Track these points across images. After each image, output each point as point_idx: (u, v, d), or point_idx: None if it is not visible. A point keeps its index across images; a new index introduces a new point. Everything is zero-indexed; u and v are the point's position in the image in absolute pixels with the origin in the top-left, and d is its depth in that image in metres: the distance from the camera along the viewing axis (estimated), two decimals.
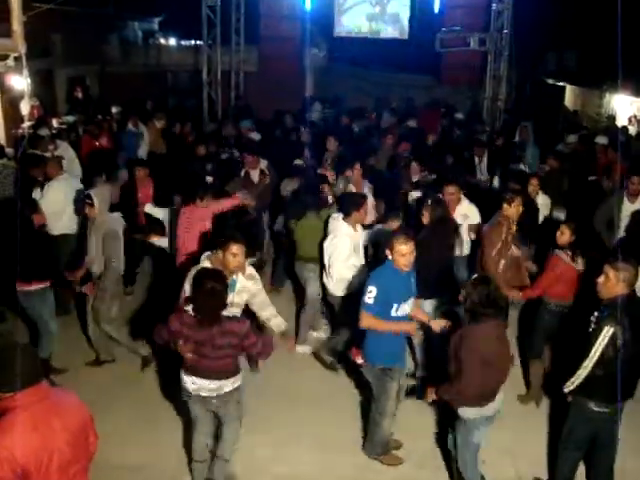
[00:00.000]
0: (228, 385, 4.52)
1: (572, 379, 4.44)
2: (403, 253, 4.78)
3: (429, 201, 6.42)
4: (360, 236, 6.66)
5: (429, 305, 6.20)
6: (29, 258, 5.84)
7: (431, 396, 4.62)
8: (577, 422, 4.63)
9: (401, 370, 5.18)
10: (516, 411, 5.97)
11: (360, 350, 5.15)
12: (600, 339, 4.24)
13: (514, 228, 6.27)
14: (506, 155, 10.43)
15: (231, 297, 4.84)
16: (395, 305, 4.87)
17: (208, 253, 5.15)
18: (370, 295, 4.81)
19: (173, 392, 5.99)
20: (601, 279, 4.43)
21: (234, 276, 5.00)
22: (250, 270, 5.26)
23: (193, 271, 4.85)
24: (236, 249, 4.85)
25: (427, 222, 6.28)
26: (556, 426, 5.18)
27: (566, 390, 4.53)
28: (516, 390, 6.29)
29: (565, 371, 4.53)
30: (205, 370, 4.45)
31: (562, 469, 4.84)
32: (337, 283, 6.51)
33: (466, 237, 7.16)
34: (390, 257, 4.86)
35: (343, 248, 6.34)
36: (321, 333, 7.33)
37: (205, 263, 5.03)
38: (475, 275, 4.64)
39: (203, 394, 4.53)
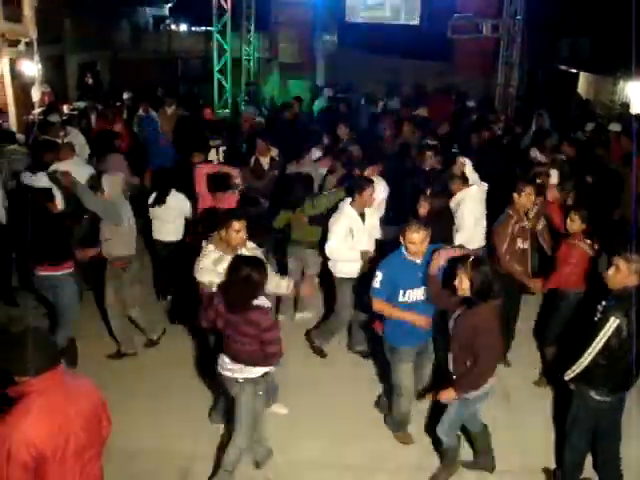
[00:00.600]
0: (251, 372, 4.55)
1: (573, 367, 4.41)
2: (414, 241, 4.80)
3: (428, 191, 6.29)
4: (367, 222, 6.41)
5: None
6: (49, 243, 5.94)
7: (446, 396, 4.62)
8: (580, 411, 4.61)
9: (414, 351, 5.14)
10: (524, 401, 5.97)
11: (381, 323, 5.26)
12: (605, 329, 4.20)
13: (526, 219, 6.17)
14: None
15: None
16: (401, 291, 4.91)
17: (210, 236, 5.21)
18: (376, 279, 4.93)
19: (187, 381, 6.10)
20: (611, 271, 4.36)
21: (238, 251, 5.07)
22: (251, 244, 5.35)
23: (207, 253, 5.01)
24: (238, 226, 5.00)
25: (424, 213, 6.18)
26: (564, 416, 5.16)
27: (566, 378, 4.51)
28: (525, 380, 6.31)
29: (569, 358, 4.52)
30: (232, 352, 4.51)
31: (569, 459, 4.82)
32: (334, 263, 6.46)
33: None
34: (402, 244, 4.91)
35: (337, 226, 6.23)
36: (306, 313, 7.40)
37: (210, 246, 5.12)
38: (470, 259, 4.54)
39: (227, 374, 4.60)
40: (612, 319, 4.19)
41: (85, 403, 3.15)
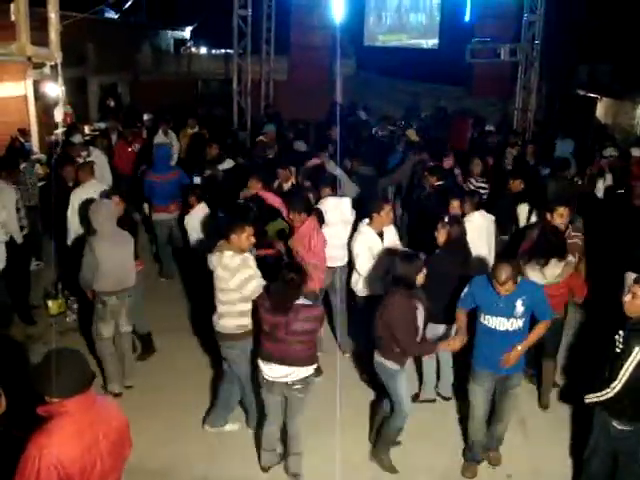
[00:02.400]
0: (302, 372, 4.80)
1: (598, 394, 4.37)
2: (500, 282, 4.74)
3: (446, 219, 6.15)
4: (385, 241, 6.44)
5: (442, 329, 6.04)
6: None
7: None
8: (600, 439, 4.57)
9: (490, 376, 5.07)
10: (542, 425, 5.91)
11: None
12: (630, 360, 4.18)
13: None
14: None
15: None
16: (482, 314, 5.01)
17: (222, 242, 5.34)
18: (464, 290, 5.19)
19: (203, 398, 6.10)
20: (628, 297, 4.34)
21: (247, 253, 5.37)
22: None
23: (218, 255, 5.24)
24: (249, 230, 5.29)
25: (442, 241, 6.01)
26: (581, 440, 5.11)
27: (587, 402, 4.48)
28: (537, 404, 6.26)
29: (581, 379, 4.49)
30: (280, 356, 4.75)
31: None
32: (356, 281, 6.52)
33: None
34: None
35: (358, 245, 6.35)
36: None
37: (224, 248, 5.25)
38: None
39: (277, 380, 4.84)
40: (637, 349, 4.16)
41: (113, 426, 3.17)
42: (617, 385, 4.24)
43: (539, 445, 5.64)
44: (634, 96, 17.10)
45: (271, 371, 4.83)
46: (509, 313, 4.83)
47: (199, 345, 7.14)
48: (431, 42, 19.24)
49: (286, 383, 4.82)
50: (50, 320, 7.58)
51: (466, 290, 5.09)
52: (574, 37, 18.21)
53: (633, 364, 4.17)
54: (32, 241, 8.31)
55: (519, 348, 4.88)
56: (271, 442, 5.20)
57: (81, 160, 9.08)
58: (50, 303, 7.73)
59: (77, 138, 11.17)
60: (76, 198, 7.53)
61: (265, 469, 5.22)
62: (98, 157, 9.81)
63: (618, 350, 4.29)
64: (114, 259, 6.03)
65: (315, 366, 4.97)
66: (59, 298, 7.75)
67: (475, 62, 17.83)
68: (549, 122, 17.28)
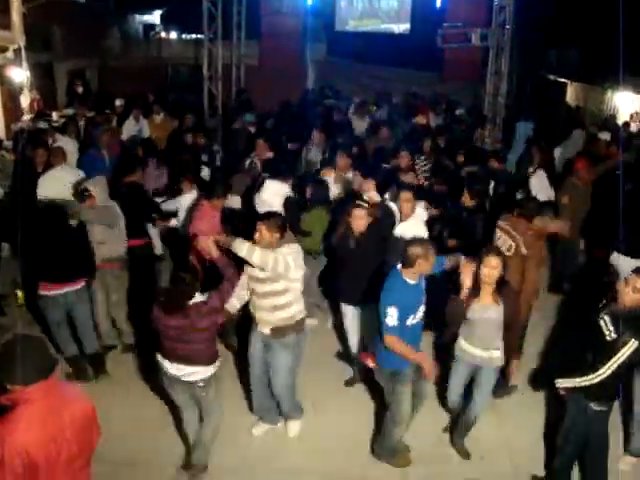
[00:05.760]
0: (203, 372, 4.75)
1: (578, 380, 4.42)
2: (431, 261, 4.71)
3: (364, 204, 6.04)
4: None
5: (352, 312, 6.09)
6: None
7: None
8: (577, 420, 4.63)
9: (412, 371, 4.93)
10: (514, 407, 5.97)
11: (370, 354, 5.10)
12: (624, 351, 4.23)
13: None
14: None
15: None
16: (411, 316, 4.77)
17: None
18: (391, 316, 4.62)
19: None
20: (628, 290, 4.37)
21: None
22: None
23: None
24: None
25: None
26: (553, 421, 5.18)
27: (563, 386, 4.52)
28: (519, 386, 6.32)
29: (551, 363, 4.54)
30: (181, 354, 4.68)
31: (560, 466, 4.84)
32: None
33: None
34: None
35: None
36: (312, 320, 7.06)
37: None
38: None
39: (179, 378, 4.76)
40: (632, 341, 4.22)
41: (77, 412, 3.14)
42: (604, 373, 4.28)
43: (511, 426, 5.70)
44: (602, 81, 17.26)
45: (172, 369, 4.75)
46: (423, 300, 4.87)
47: None
48: (403, 27, 19.18)
49: (188, 382, 4.76)
50: (19, 310, 7.45)
51: (396, 314, 4.59)
52: (544, 22, 18.29)
53: (625, 355, 4.22)
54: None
55: None
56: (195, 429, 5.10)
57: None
58: (19, 293, 7.60)
59: (44, 124, 10.97)
60: (44, 183, 7.41)
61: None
62: (67, 144, 9.62)
63: (609, 338, 4.31)
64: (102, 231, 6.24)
65: (217, 365, 4.84)
66: None
67: (446, 47, 17.82)
68: (520, 107, 17.36)
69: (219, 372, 4.91)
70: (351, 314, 6.15)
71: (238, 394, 6.03)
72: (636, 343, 4.20)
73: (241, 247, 4.77)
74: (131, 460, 5.17)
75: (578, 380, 4.42)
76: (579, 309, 4.88)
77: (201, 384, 4.76)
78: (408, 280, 4.71)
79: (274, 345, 5.13)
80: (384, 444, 5.19)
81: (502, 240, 5.92)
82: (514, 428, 5.68)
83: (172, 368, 4.73)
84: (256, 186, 7.64)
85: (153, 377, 6.26)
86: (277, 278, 4.93)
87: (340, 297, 6.21)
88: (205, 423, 4.98)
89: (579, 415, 4.60)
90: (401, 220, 6.34)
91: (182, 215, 7.61)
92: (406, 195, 6.35)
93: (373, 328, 5.02)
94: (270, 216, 5.02)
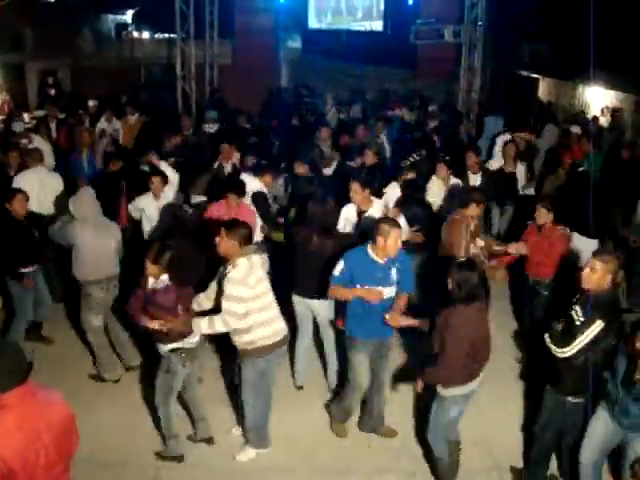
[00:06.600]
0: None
1: (554, 348, 4.45)
2: (395, 239, 4.86)
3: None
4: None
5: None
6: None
7: (420, 385, 4.76)
8: (554, 412, 4.71)
9: (371, 344, 5.19)
10: (493, 400, 6.01)
11: (342, 319, 5.44)
12: (590, 330, 4.29)
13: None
14: None
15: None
16: (358, 285, 4.96)
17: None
18: (337, 268, 5.02)
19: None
20: (586, 271, 4.43)
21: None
22: None
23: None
24: None
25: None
26: (531, 415, 5.23)
27: (547, 343, 4.55)
28: (494, 380, 6.36)
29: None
30: None
31: (538, 458, 4.91)
32: None
33: None
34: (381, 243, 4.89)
35: None
36: None
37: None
38: (460, 259, 4.71)
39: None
40: (598, 321, 4.29)
41: (55, 417, 3.10)
42: (570, 351, 4.34)
43: (488, 418, 5.74)
44: (574, 76, 17.45)
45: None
46: (386, 281, 4.96)
47: None
48: (376, 24, 19.26)
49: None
50: None
51: (341, 266, 5.01)
52: (516, 18, 18.44)
53: (592, 334, 4.29)
54: None
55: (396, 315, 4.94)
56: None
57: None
58: None
59: (19, 126, 10.85)
60: (20, 183, 7.35)
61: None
62: (41, 145, 9.52)
63: (578, 323, 4.39)
64: (95, 246, 6.00)
65: (173, 345, 4.90)
66: None
67: (420, 43, 17.90)
68: (493, 102, 17.49)
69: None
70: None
71: (219, 398, 6.02)
72: (602, 324, 4.28)
73: (199, 326, 4.79)
74: (111, 462, 5.12)
75: (554, 349, 4.45)
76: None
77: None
78: (371, 253, 4.95)
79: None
80: (337, 403, 5.56)
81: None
82: (493, 422, 5.73)
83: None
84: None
85: (126, 378, 6.32)
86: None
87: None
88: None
89: (556, 409, 4.68)
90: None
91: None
92: (355, 187, 6.48)
93: None
94: (234, 225, 4.91)
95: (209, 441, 5.37)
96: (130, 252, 6.45)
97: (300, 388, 6.23)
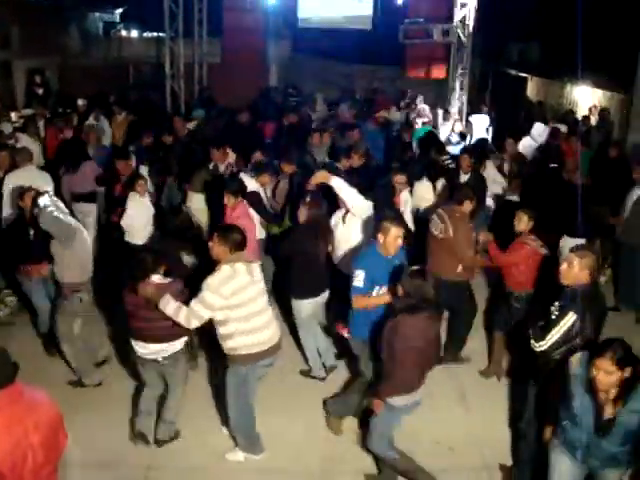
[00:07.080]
0: (171, 348, 5.00)
1: (533, 343, 4.48)
2: (398, 237, 5.01)
3: (307, 198, 6.18)
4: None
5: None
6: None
7: (377, 404, 4.62)
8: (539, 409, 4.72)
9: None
10: (482, 400, 6.05)
11: (346, 325, 5.40)
12: (562, 322, 4.34)
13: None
14: None
15: None
16: (377, 287, 5.08)
17: None
18: (358, 278, 5.04)
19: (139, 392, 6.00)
20: (564, 266, 4.51)
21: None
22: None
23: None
24: None
25: (302, 220, 6.14)
26: (519, 413, 5.25)
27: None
28: (480, 377, 6.43)
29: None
30: (149, 334, 4.92)
31: (526, 455, 4.93)
32: None
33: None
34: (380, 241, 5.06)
35: None
36: None
37: None
38: (412, 268, 4.60)
39: (148, 357, 5.03)
40: (571, 314, 4.33)
41: (43, 418, 3.08)
42: (546, 343, 4.40)
43: (479, 417, 5.77)
44: (562, 75, 17.53)
45: (142, 349, 4.99)
46: (395, 277, 4.94)
47: None
48: (364, 23, 19.23)
49: (156, 360, 5.01)
50: None
51: (362, 277, 5.00)
52: (505, 17, 18.49)
53: (564, 327, 4.33)
54: None
55: None
56: (148, 406, 5.32)
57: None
58: None
59: (6, 127, 10.79)
60: (11, 182, 7.32)
61: (138, 435, 5.28)
62: (30, 144, 9.47)
63: (553, 317, 4.44)
64: (88, 248, 6.12)
65: (184, 340, 5.07)
66: None
67: (408, 43, 17.92)
68: (482, 102, 17.54)
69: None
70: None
71: (206, 398, 6.02)
72: (574, 316, 4.32)
73: (167, 307, 4.70)
74: (100, 462, 5.09)
75: (532, 342, 4.48)
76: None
77: (166, 362, 5.02)
78: (380, 252, 5.07)
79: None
80: (341, 398, 5.63)
81: (435, 223, 6.38)
82: (482, 420, 5.74)
83: (139, 347, 4.99)
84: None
85: (119, 379, 6.29)
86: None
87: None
88: (169, 398, 5.26)
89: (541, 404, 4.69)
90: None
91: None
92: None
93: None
94: (227, 230, 4.88)
95: (160, 443, 5.29)
96: None
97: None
